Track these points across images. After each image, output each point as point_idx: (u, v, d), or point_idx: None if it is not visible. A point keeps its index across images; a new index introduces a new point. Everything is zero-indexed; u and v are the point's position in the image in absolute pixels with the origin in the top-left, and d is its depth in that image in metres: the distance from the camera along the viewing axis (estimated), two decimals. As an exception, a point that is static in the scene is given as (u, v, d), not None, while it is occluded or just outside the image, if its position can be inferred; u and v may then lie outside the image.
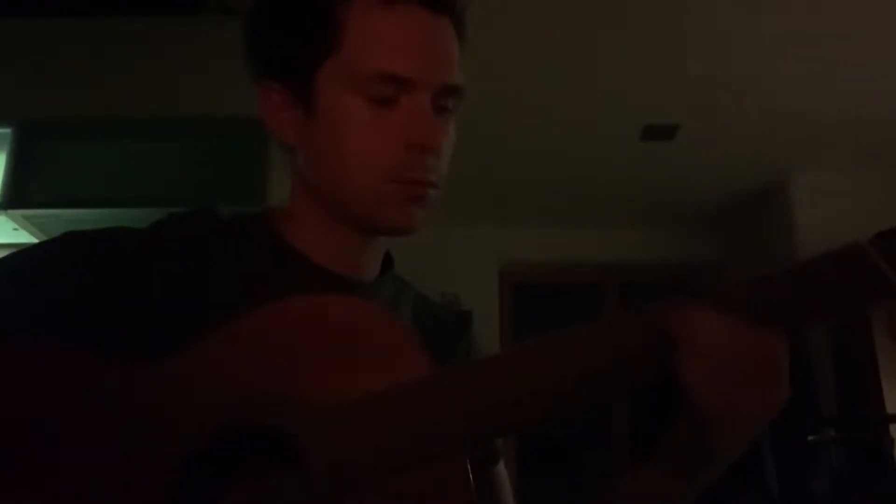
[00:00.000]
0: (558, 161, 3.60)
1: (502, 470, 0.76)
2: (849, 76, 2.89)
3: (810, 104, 3.08)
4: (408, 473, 0.52)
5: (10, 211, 2.51)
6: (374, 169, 0.64)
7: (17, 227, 2.60)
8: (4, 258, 0.65)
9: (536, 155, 3.53)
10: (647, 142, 3.38)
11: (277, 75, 0.68)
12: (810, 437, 2.96)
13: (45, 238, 0.77)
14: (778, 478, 3.22)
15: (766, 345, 0.53)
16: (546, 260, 4.32)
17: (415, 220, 0.67)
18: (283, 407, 0.54)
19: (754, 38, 2.69)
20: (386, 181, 0.65)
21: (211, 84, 2.59)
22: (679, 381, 0.53)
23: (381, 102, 0.64)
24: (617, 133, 3.34)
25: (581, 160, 3.59)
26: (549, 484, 4.04)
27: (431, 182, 0.66)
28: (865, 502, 2.80)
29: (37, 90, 2.67)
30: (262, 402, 0.54)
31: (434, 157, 0.66)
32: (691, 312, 0.53)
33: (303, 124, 0.67)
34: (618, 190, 3.90)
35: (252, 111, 0.70)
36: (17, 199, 2.51)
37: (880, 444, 2.80)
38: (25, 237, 2.63)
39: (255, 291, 0.58)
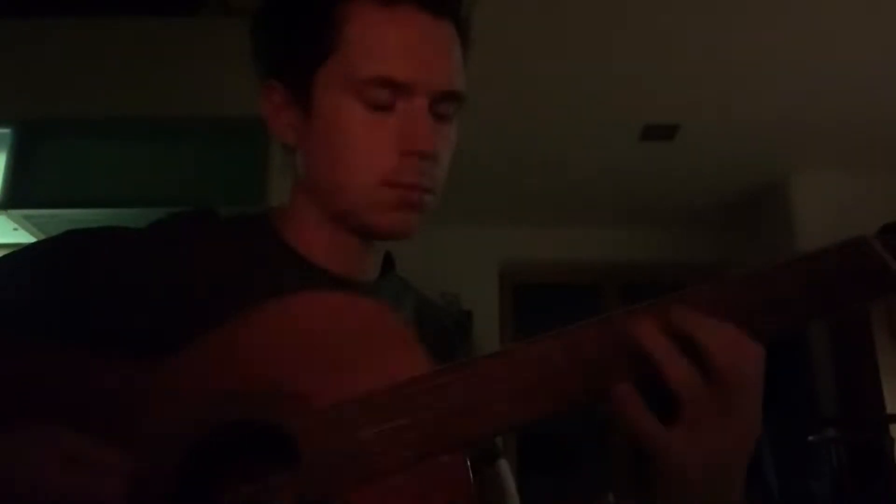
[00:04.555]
0: (558, 161, 3.60)
1: (505, 467, 0.76)
2: (849, 76, 2.89)
3: (810, 104, 3.08)
4: (407, 471, 0.52)
5: (10, 211, 2.51)
6: (368, 174, 0.64)
7: (17, 227, 2.60)
8: (4, 256, 0.65)
9: (536, 155, 3.53)
10: (647, 142, 3.38)
11: (278, 75, 0.68)
12: (810, 437, 2.97)
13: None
14: (778, 478, 3.22)
15: (752, 352, 0.50)
16: (546, 260, 4.32)
17: (409, 225, 0.67)
18: (282, 405, 0.54)
19: (754, 38, 2.69)
20: (380, 186, 0.64)
21: (211, 84, 2.59)
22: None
23: (377, 107, 0.63)
24: (617, 133, 3.34)
25: (581, 160, 3.59)
26: (550, 483, 4.04)
27: (426, 188, 0.66)
28: (865, 502, 2.80)
29: (37, 90, 2.67)
30: (261, 400, 0.54)
31: (430, 163, 0.65)
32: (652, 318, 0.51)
33: (301, 126, 0.68)
34: (618, 190, 3.90)
35: (252, 111, 0.70)
36: (17, 199, 2.51)
37: (880, 444, 2.80)
38: (25, 237, 2.63)
39: (254, 291, 0.58)
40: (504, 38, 2.60)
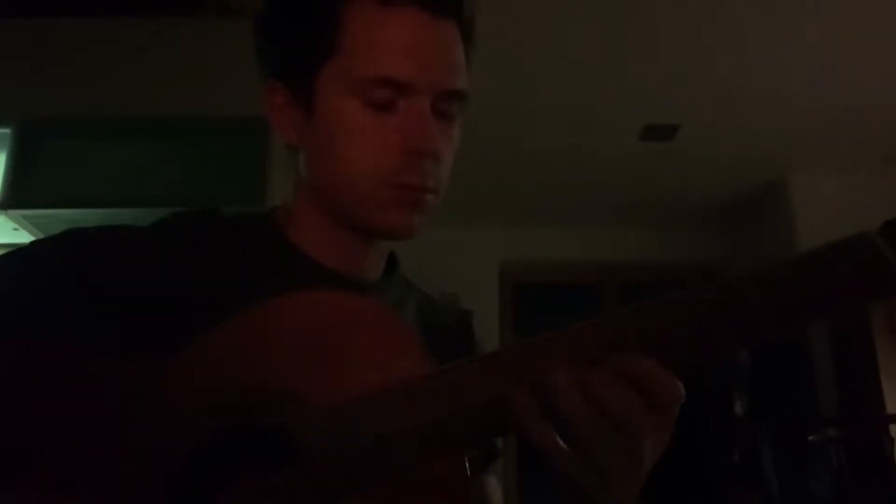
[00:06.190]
0: (558, 161, 3.60)
1: (493, 481, 0.76)
2: (849, 76, 2.89)
3: (810, 104, 3.08)
4: (407, 472, 0.52)
5: (10, 211, 2.50)
6: (370, 173, 0.64)
7: (17, 227, 2.60)
8: (4, 255, 0.65)
9: (537, 155, 3.53)
10: (647, 142, 3.38)
11: (281, 75, 0.68)
12: (810, 437, 2.97)
13: (44, 238, 0.77)
14: (778, 478, 3.22)
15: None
16: (546, 260, 4.32)
17: (412, 225, 0.66)
18: (282, 406, 0.54)
19: (754, 38, 2.69)
20: (382, 186, 0.64)
21: (211, 84, 2.59)
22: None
23: (379, 106, 0.63)
24: (617, 133, 3.34)
25: (581, 160, 3.59)
26: (549, 483, 4.03)
27: (429, 187, 0.65)
28: (865, 502, 2.80)
29: (37, 90, 2.67)
30: (262, 400, 0.54)
31: (432, 162, 0.65)
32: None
33: (304, 125, 0.68)
34: (618, 190, 3.90)
35: (251, 111, 0.71)
36: (17, 199, 2.50)
37: (880, 444, 2.80)
38: (25, 237, 2.63)
39: (255, 290, 0.58)
40: (504, 38, 2.60)
